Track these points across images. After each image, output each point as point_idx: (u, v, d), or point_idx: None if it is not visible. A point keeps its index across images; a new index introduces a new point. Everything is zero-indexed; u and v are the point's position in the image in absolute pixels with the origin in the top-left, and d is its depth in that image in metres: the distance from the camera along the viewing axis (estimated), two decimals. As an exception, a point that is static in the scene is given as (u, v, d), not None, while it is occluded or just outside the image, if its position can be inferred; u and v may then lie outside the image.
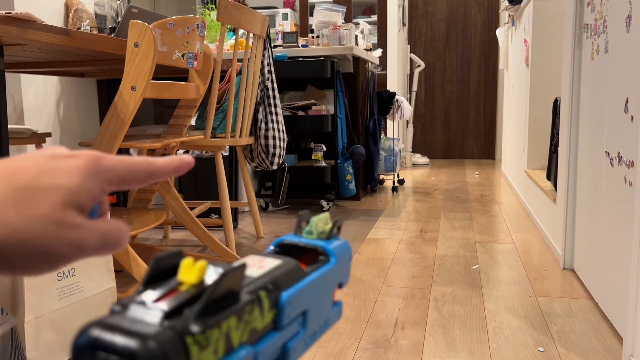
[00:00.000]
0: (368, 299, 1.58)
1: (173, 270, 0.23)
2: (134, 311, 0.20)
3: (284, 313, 0.24)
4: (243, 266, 0.22)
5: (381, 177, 3.79)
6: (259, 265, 0.26)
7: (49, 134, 2.23)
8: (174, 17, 1.47)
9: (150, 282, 0.22)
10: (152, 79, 1.41)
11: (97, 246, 0.26)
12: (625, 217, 1.27)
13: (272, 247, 0.32)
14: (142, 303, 0.20)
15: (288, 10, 4.50)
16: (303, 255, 0.32)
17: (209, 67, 1.79)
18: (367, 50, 3.41)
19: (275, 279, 0.25)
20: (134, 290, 1.51)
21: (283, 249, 0.32)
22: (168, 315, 0.20)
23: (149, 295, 0.21)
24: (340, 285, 0.32)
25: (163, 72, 2.01)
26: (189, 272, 0.21)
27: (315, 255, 0.31)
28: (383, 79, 4.55)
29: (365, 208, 2.95)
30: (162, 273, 0.22)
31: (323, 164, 2.95)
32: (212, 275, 0.22)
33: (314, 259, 0.31)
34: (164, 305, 0.20)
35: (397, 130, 3.95)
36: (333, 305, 0.32)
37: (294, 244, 0.31)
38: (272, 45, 2.57)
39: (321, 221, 0.33)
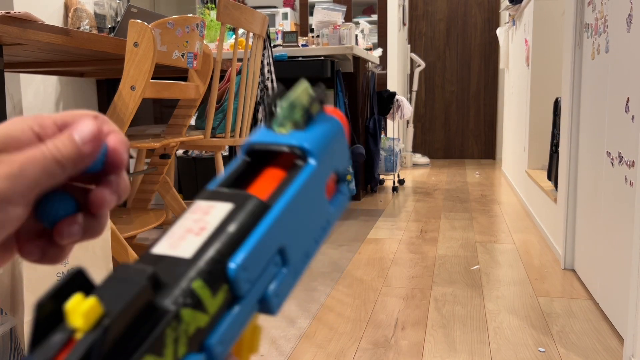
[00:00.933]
0: (368, 299, 1.58)
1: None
2: None
3: (237, 284, 0.19)
4: (146, 286, 0.17)
5: (381, 177, 3.79)
6: (198, 227, 0.20)
7: (48, 134, 2.23)
8: (174, 16, 1.46)
9: (39, 336, 0.17)
10: (152, 78, 1.40)
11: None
12: (626, 217, 1.27)
13: (242, 156, 0.26)
14: None
15: (288, 10, 4.50)
16: (279, 159, 0.25)
17: (208, 66, 1.79)
18: (367, 50, 3.41)
19: (219, 248, 0.20)
20: None
21: (254, 157, 0.25)
22: None
23: (43, 355, 0.16)
24: (337, 173, 0.26)
25: (162, 72, 2.01)
26: (76, 316, 0.16)
27: (291, 158, 0.25)
28: (383, 78, 4.55)
29: (366, 208, 2.94)
30: (54, 316, 0.17)
31: (323, 163, 2.95)
32: (116, 298, 0.17)
33: (290, 164, 0.25)
34: None
35: (397, 130, 3.95)
36: (331, 200, 0.26)
37: (264, 148, 0.25)
38: (272, 45, 2.57)
39: (295, 99, 0.25)
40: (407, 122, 4.85)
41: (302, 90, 0.25)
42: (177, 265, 0.19)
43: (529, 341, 1.29)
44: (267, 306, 0.21)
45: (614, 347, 1.26)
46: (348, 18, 4.42)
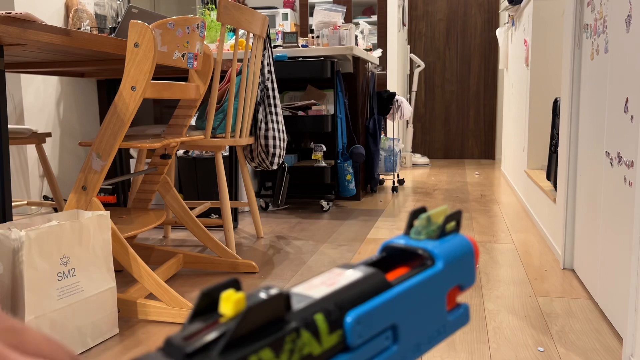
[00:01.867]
0: (368, 299, 1.58)
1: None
2: (165, 351, 0.20)
3: (350, 333, 0.23)
4: (280, 296, 0.21)
5: (381, 177, 3.79)
6: (330, 282, 0.24)
7: (49, 134, 2.23)
8: (174, 17, 1.47)
9: (197, 315, 0.21)
10: (152, 79, 1.41)
11: None
12: (625, 217, 1.27)
13: (378, 253, 0.30)
14: (172, 343, 0.20)
15: (288, 11, 4.50)
16: (410, 260, 0.29)
17: (209, 67, 1.79)
18: (367, 50, 3.41)
19: (343, 298, 0.23)
20: (134, 290, 1.51)
21: (389, 253, 0.29)
22: (193, 354, 0.19)
23: (186, 331, 0.20)
24: (461, 288, 0.29)
25: (163, 73, 2.01)
26: (227, 304, 0.20)
27: (421, 259, 0.28)
28: (383, 79, 4.55)
29: (365, 208, 2.95)
30: (212, 305, 0.22)
31: (323, 164, 2.95)
32: (258, 304, 0.21)
33: (418, 264, 0.28)
34: (188, 344, 0.19)
35: (397, 131, 3.96)
36: (451, 311, 0.29)
37: (399, 247, 0.29)
38: (272, 46, 2.57)
39: (432, 217, 0.29)
40: (407, 122, 4.85)
41: (442, 211, 0.30)
42: (307, 300, 0.23)
43: (528, 341, 1.29)
44: None
45: (614, 346, 1.26)
46: (348, 18, 4.42)
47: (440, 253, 0.28)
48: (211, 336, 0.19)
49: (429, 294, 0.27)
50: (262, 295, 0.21)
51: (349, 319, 0.23)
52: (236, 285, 0.23)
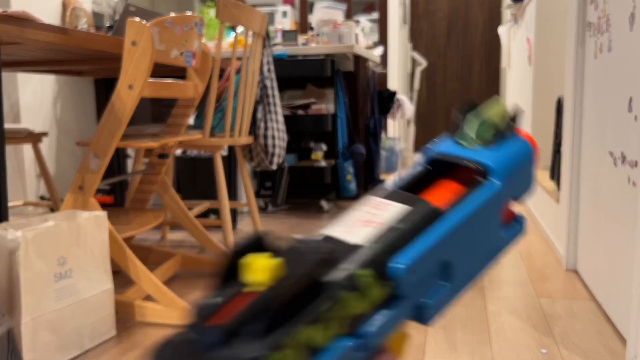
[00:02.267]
0: (368, 300, 1.57)
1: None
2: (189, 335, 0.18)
3: (404, 285, 0.20)
4: (319, 264, 0.18)
5: (382, 177, 3.77)
6: (374, 220, 0.21)
7: (45, 134, 2.22)
8: (172, 15, 1.45)
9: (225, 280, 0.19)
10: (150, 77, 1.39)
11: None
12: (629, 217, 1.25)
13: (423, 163, 0.25)
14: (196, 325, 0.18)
15: (287, 8, 4.49)
16: (461, 173, 0.24)
17: (207, 65, 1.77)
18: (367, 48, 3.40)
19: (391, 241, 0.20)
20: (131, 292, 1.49)
21: (435, 165, 0.25)
22: (228, 337, 0.17)
23: (213, 300, 0.18)
24: (516, 198, 0.25)
25: (161, 71, 1.99)
26: (255, 272, 0.18)
27: (473, 173, 0.24)
28: (384, 77, 4.53)
29: (366, 208, 2.94)
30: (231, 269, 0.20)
31: (323, 163, 2.94)
32: (294, 265, 0.18)
33: (470, 180, 0.24)
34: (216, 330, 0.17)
35: (398, 130, 3.94)
36: (506, 226, 0.25)
37: (448, 159, 0.24)
38: (271, 44, 2.55)
39: (489, 117, 0.24)
40: (408, 121, 4.83)
41: (496, 108, 0.24)
42: (351, 249, 0.20)
43: (530, 342, 1.28)
44: (422, 316, 0.21)
45: (617, 348, 1.24)
46: (348, 16, 4.40)
47: (497, 166, 0.23)
48: (243, 316, 0.17)
49: (484, 218, 0.23)
50: (301, 263, 0.18)
51: (400, 269, 0.20)
52: (261, 243, 0.20)
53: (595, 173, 1.56)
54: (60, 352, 1.20)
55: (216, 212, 2.64)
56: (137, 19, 1.36)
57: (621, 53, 1.35)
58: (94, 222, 1.29)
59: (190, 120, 2.26)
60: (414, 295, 0.21)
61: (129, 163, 2.62)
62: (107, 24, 2.43)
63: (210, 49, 1.82)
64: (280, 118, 2.24)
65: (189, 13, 1.54)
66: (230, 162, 2.52)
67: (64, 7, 2.37)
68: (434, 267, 0.21)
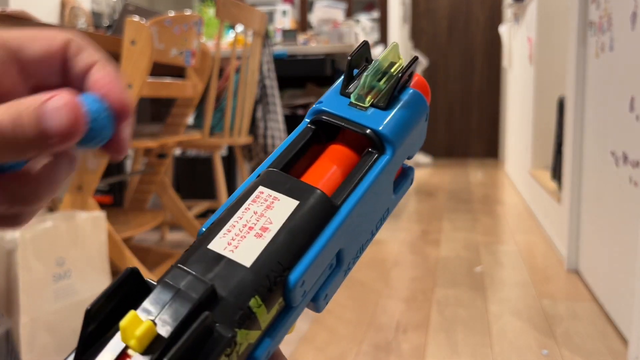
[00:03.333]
0: (369, 301, 1.56)
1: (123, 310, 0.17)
2: None
3: (295, 297, 0.18)
4: (207, 316, 0.16)
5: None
6: (261, 228, 0.19)
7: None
8: (171, 14, 1.44)
9: (89, 342, 0.17)
10: (148, 76, 1.38)
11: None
12: (631, 217, 1.25)
13: (306, 120, 0.23)
14: None
15: (287, 7, 4.48)
16: (346, 136, 0.22)
17: (206, 65, 1.77)
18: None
19: (281, 254, 0.18)
20: None
21: (319, 126, 0.22)
22: None
23: None
24: (409, 158, 0.24)
25: (160, 71, 1.98)
26: (131, 335, 0.16)
27: (363, 139, 0.21)
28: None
29: (367, 207, 2.93)
30: (105, 320, 0.17)
31: (324, 163, 2.93)
32: (172, 321, 0.16)
33: (363, 144, 0.22)
34: None
35: (398, 129, 3.94)
36: (396, 186, 0.23)
37: (336, 122, 0.22)
38: (271, 43, 2.55)
39: (381, 68, 0.21)
40: (409, 120, 4.82)
41: (392, 53, 0.22)
42: (235, 273, 0.18)
43: (532, 344, 1.27)
44: (315, 306, 0.20)
45: (618, 349, 1.24)
46: (349, 15, 4.39)
47: (392, 136, 0.21)
48: None
49: (376, 192, 0.21)
50: (181, 310, 0.16)
51: (290, 284, 0.18)
52: (134, 280, 0.17)
53: (597, 173, 1.55)
54: (59, 353, 1.19)
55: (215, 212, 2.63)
56: (136, 18, 1.35)
57: (623, 52, 1.34)
58: (92, 222, 1.28)
59: (190, 120, 2.25)
60: (306, 299, 0.20)
61: (128, 163, 2.62)
62: (106, 23, 2.42)
63: (210, 48, 1.81)
64: (280, 118, 2.23)
65: (188, 12, 1.54)
66: (229, 162, 2.51)
67: (63, 6, 2.36)
68: (326, 264, 0.20)
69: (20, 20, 1.14)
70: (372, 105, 0.22)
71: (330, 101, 0.23)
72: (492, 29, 5.21)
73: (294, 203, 0.19)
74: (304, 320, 1.41)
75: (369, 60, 0.23)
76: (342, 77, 0.22)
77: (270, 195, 0.20)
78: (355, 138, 0.22)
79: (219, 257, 0.18)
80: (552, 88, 2.58)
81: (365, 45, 0.23)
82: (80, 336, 0.17)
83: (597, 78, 1.59)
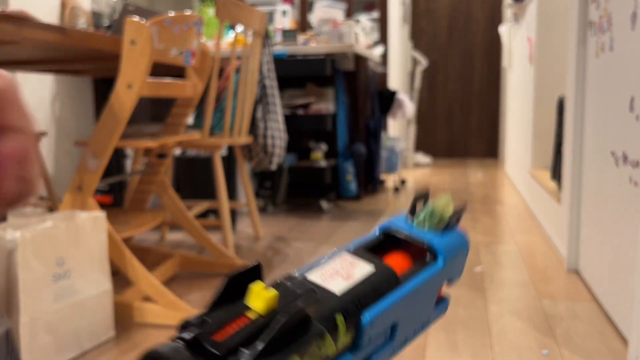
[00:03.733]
0: (369, 300, 1.56)
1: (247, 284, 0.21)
2: (191, 345, 0.18)
3: (363, 336, 0.22)
4: (308, 306, 0.20)
5: (382, 177, 3.76)
6: (346, 273, 0.24)
7: (44, 133, 2.21)
8: (171, 14, 1.44)
9: (221, 300, 0.20)
10: (148, 76, 1.38)
11: None
12: (631, 217, 1.25)
13: (377, 231, 0.29)
14: (201, 336, 0.19)
15: (287, 7, 4.48)
16: (409, 248, 0.28)
17: (206, 64, 1.77)
18: (368, 47, 3.38)
19: (360, 296, 0.23)
20: (130, 293, 1.48)
21: (387, 237, 0.28)
22: (225, 356, 0.18)
23: (212, 320, 0.19)
24: (449, 281, 0.29)
25: (160, 71, 1.98)
26: (257, 299, 0.20)
27: (422, 251, 0.28)
28: (384, 77, 4.52)
29: (366, 209, 2.92)
30: (235, 289, 0.21)
31: (323, 163, 2.92)
32: (285, 299, 0.20)
33: (420, 255, 0.28)
34: (219, 345, 0.18)
35: (398, 130, 3.93)
36: (437, 304, 0.28)
37: (400, 235, 0.28)
38: (271, 43, 2.55)
39: (438, 208, 0.29)
40: (409, 121, 4.82)
41: (445, 203, 0.29)
42: (328, 294, 0.22)
43: (532, 344, 1.27)
44: None
45: (618, 349, 1.24)
46: (348, 15, 4.38)
47: (443, 249, 0.27)
48: (243, 336, 0.19)
49: (426, 291, 0.27)
50: (294, 301, 0.20)
51: (364, 320, 0.22)
52: (258, 272, 0.22)
53: (597, 173, 1.55)
54: (59, 353, 1.19)
55: (215, 212, 2.63)
56: (136, 18, 1.35)
57: (623, 52, 1.35)
58: (92, 222, 1.28)
59: (190, 120, 2.25)
60: (367, 348, 0.23)
61: (128, 163, 2.61)
62: (106, 23, 2.42)
63: (210, 48, 1.81)
64: (280, 118, 2.23)
65: (188, 12, 1.54)
66: (229, 162, 2.51)
67: (63, 6, 2.36)
68: (387, 326, 0.24)
69: (20, 20, 1.14)
70: (429, 229, 0.28)
71: (398, 222, 0.29)
72: (492, 29, 5.21)
73: (371, 267, 0.25)
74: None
75: (426, 200, 0.30)
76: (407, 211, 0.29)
77: (353, 258, 0.25)
78: (414, 251, 0.28)
79: (316, 285, 0.23)
80: (552, 88, 2.58)
81: (427, 193, 0.30)
82: (214, 295, 0.20)
83: (597, 78, 1.59)
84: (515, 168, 3.52)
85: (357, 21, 4.20)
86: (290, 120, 2.81)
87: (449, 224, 0.29)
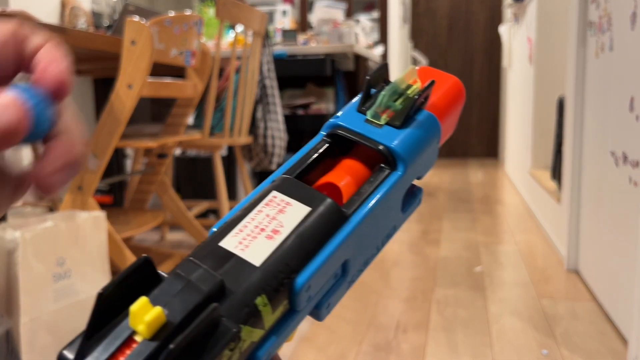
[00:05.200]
0: (369, 301, 1.56)
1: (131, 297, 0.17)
2: None
3: (300, 301, 0.19)
4: (214, 308, 0.16)
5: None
6: (273, 228, 0.19)
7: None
8: (172, 14, 1.44)
9: (98, 325, 0.17)
10: (149, 76, 1.38)
11: None
12: (630, 217, 1.25)
13: (322, 133, 0.23)
14: None
15: (287, 7, 4.48)
16: (363, 150, 0.23)
17: (206, 65, 1.77)
18: (368, 47, 3.39)
19: (290, 257, 0.19)
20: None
21: (335, 140, 0.23)
22: None
23: (94, 353, 0.16)
24: (419, 178, 0.24)
25: (160, 71, 1.98)
26: (138, 322, 0.16)
27: (375, 155, 0.22)
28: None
29: (366, 207, 2.92)
30: (114, 306, 0.17)
31: (324, 163, 2.93)
32: (184, 301, 0.16)
33: (377, 158, 0.22)
34: None
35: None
36: (406, 203, 0.24)
37: (351, 136, 0.23)
38: (271, 43, 2.55)
39: (398, 89, 0.22)
40: (409, 120, 4.82)
41: (409, 75, 0.23)
42: (244, 271, 0.18)
43: (532, 344, 1.27)
44: (317, 314, 0.21)
45: (618, 349, 1.24)
46: (348, 15, 4.38)
47: (404, 154, 0.22)
48: None
49: (386, 208, 0.22)
50: (189, 301, 0.16)
51: (297, 287, 0.19)
52: (146, 269, 0.17)
53: (597, 173, 1.55)
54: (59, 353, 1.19)
55: (215, 212, 2.63)
56: (136, 18, 1.35)
57: (622, 52, 1.34)
58: (92, 222, 1.28)
59: (190, 120, 2.25)
60: (312, 303, 0.20)
61: (128, 163, 2.61)
62: (106, 23, 2.42)
63: (210, 48, 1.81)
64: (280, 118, 2.23)
65: (188, 12, 1.54)
66: (229, 162, 2.51)
67: (63, 6, 2.36)
68: (332, 272, 0.20)
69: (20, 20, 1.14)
70: (387, 124, 0.23)
71: (346, 116, 0.23)
72: (492, 29, 5.21)
73: (306, 209, 0.20)
74: (305, 321, 1.41)
75: (386, 81, 0.24)
76: (360, 94, 0.23)
77: (283, 200, 0.20)
78: (368, 154, 0.23)
79: (229, 255, 0.18)
80: (552, 88, 2.58)
81: (384, 67, 0.24)
82: (90, 319, 0.17)
83: (597, 78, 1.59)
84: (515, 168, 3.52)
85: (357, 21, 4.19)
86: (290, 120, 2.81)
87: (413, 108, 0.23)
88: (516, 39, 3.43)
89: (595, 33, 1.61)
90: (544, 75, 2.61)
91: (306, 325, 1.39)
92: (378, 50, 3.54)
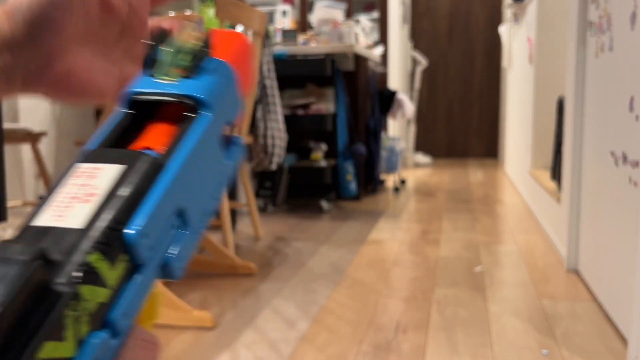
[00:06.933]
0: (369, 301, 1.56)
1: None
2: None
3: (139, 252, 0.18)
4: (36, 268, 0.15)
5: (382, 177, 3.77)
6: (86, 192, 0.19)
7: (44, 133, 2.22)
8: (171, 14, 1.44)
9: None
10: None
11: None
12: (630, 217, 1.25)
13: (124, 109, 0.23)
14: None
15: (287, 7, 4.48)
16: (167, 110, 0.23)
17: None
18: (368, 47, 3.39)
19: (115, 211, 0.18)
20: None
21: (138, 109, 0.23)
22: None
23: None
24: (229, 123, 0.24)
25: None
26: None
27: (182, 108, 0.22)
28: (384, 77, 4.52)
29: (366, 209, 2.92)
30: None
31: (323, 163, 2.93)
32: (2, 286, 0.15)
33: (182, 113, 0.22)
34: None
35: (398, 129, 3.93)
36: (226, 152, 0.24)
37: (150, 99, 0.23)
38: (271, 43, 2.55)
39: (180, 47, 0.23)
40: (409, 121, 4.82)
41: (187, 33, 0.24)
42: (67, 237, 0.17)
43: (532, 343, 1.27)
44: (169, 271, 0.20)
45: (618, 349, 1.24)
46: (348, 15, 4.39)
47: (204, 96, 0.22)
48: None
49: (204, 152, 0.22)
50: (9, 274, 0.15)
51: (130, 236, 0.18)
52: None
53: (597, 173, 1.56)
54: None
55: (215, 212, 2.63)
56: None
57: (622, 52, 1.35)
58: (92, 222, 1.28)
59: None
60: (155, 257, 0.19)
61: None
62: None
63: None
64: (280, 118, 2.23)
65: (188, 12, 1.54)
66: (230, 162, 2.51)
67: (63, 6, 2.36)
68: (169, 220, 0.20)
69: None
70: (181, 77, 0.23)
71: (140, 84, 0.23)
72: (492, 29, 5.21)
73: (120, 167, 0.20)
74: (304, 320, 1.41)
75: (165, 41, 0.25)
76: (144, 60, 0.24)
77: (90, 167, 0.20)
78: (173, 112, 0.23)
79: (46, 229, 0.18)
80: (552, 88, 2.58)
81: (163, 32, 0.24)
82: None
83: (597, 78, 1.59)
84: (515, 168, 3.52)
85: (357, 21, 4.19)
86: (290, 120, 2.81)
87: (200, 59, 0.23)
88: (516, 39, 3.43)
89: (595, 33, 1.61)
90: (544, 75, 2.61)
91: (306, 325, 1.39)
92: (378, 50, 3.54)
